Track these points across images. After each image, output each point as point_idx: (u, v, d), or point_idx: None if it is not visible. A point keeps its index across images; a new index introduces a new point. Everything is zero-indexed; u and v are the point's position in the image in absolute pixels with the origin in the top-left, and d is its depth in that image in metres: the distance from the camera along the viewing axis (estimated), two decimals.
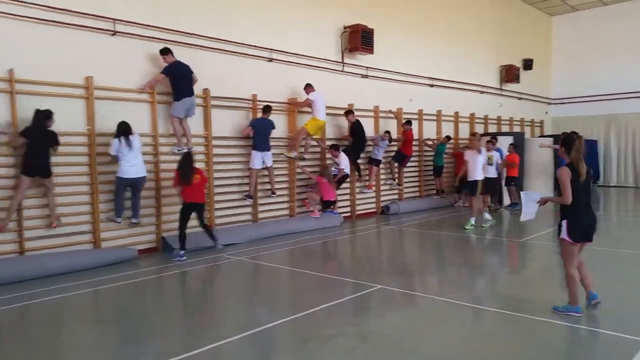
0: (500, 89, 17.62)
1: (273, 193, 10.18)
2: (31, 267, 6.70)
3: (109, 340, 4.77)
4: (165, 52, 8.19)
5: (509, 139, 14.06)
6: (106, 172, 7.85)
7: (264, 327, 4.83)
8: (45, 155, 6.89)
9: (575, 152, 4.90)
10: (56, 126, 7.06)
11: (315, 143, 11.17)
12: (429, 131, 14.36)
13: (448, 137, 14.25)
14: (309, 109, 10.52)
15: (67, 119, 7.37)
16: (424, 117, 14.13)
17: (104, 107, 7.82)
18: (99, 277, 6.86)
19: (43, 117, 6.83)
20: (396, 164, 13.05)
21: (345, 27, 11.71)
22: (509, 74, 17.54)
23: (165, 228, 8.62)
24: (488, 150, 11.19)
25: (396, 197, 13.38)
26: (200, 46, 9.05)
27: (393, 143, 12.76)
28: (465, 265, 7.63)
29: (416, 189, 14.16)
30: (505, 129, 17.49)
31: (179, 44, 8.71)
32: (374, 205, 12.77)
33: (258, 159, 9.63)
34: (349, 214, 11.97)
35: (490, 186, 11.31)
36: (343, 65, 11.81)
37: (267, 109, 9.77)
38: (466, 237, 9.63)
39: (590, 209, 5.05)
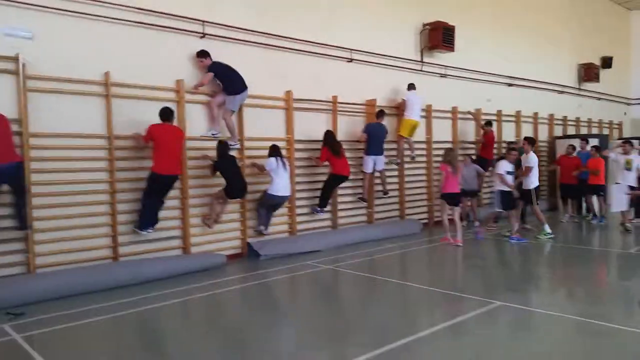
0: (579, 89, 16.67)
1: (385, 193, 10.36)
2: (127, 272, 6.59)
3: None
4: (203, 54, 7.66)
5: (594, 142, 13.23)
6: (198, 177, 7.75)
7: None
8: (241, 179, 7.78)
9: None
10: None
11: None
12: (508, 133, 13.65)
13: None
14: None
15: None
16: (503, 118, 13.46)
17: (193, 111, 7.74)
18: (194, 283, 6.68)
19: (225, 148, 7.61)
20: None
21: (424, 25, 11.26)
22: (588, 73, 16.56)
23: (250, 234, 8.42)
24: (625, 153, 9.98)
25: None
26: (280, 47, 8.81)
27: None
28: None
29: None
30: (583, 130, 16.51)
31: (263, 45, 8.52)
32: None
33: (369, 163, 9.86)
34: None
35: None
36: (422, 65, 11.36)
37: (380, 114, 9.95)
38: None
39: None
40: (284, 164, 8.19)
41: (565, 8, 16.07)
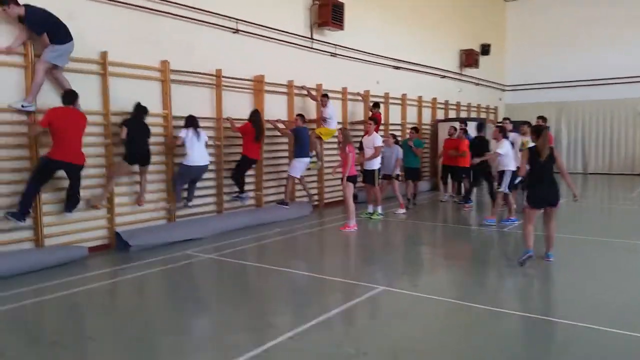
0: (460, 74, 17.27)
1: (310, 199, 10.59)
2: None
3: None
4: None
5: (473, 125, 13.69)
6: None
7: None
8: (145, 145, 7.36)
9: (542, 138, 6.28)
10: None
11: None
12: (395, 115, 13.71)
13: (416, 129, 12.19)
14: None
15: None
16: (390, 100, 13.46)
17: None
18: (44, 282, 5.67)
19: (143, 111, 7.31)
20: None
21: (314, 0, 10.75)
22: (469, 58, 17.20)
23: (118, 222, 7.44)
24: (524, 134, 9.57)
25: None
26: (157, 11, 7.83)
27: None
28: None
29: None
30: (464, 114, 17.18)
31: (135, 7, 7.49)
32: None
33: (302, 167, 9.85)
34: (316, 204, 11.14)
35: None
36: (312, 42, 10.87)
37: (302, 118, 9.86)
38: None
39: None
40: (197, 134, 7.87)
41: None
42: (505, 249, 7.74)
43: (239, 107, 9.23)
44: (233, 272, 6.46)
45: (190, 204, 8.26)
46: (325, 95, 10.50)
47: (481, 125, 11.03)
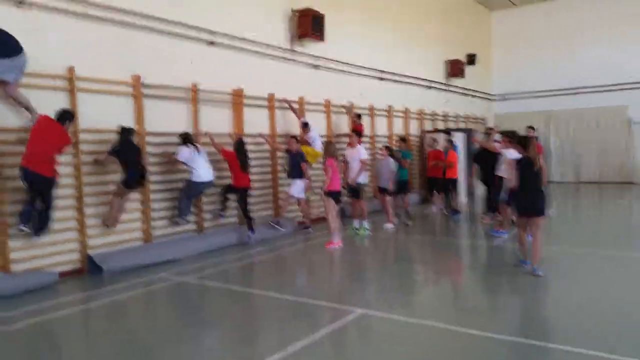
0: (446, 84, 17.12)
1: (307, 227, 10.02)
2: None
3: None
4: None
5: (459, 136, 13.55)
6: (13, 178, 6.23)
7: None
8: (141, 167, 7.21)
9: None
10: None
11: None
12: (381, 127, 13.48)
13: (403, 139, 11.91)
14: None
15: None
16: (375, 112, 13.23)
17: None
18: (7, 311, 5.29)
19: (129, 133, 7.10)
20: None
21: (293, 11, 10.53)
22: (454, 69, 17.06)
23: (91, 244, 7.07)
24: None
25: None
26: (129, 24, 7.57)
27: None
28: None
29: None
30: (451, 125, 16.96)
31: (105, 20, 7.22)
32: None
33: (302, 187, 9.57)
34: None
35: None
36: (292, 53, 10.63)
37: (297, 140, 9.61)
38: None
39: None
40: (197, 150, 7.88)
41: (431, 3, 16.35)
42: (498, 264, 7.43)
43: (217, 121, 8.96)
44: (208, 297, 6.07)
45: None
46: (306, 125, 10.16)
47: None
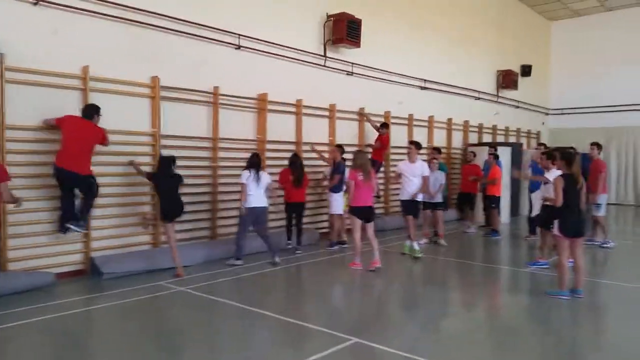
0: (497, 96, 16.24)
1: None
2: None
3: None
4: None
5: (507, 150, 12.73)
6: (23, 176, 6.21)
7: None
8: (177, 200, 6.99)
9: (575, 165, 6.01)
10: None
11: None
12: (420, 139, 12.79)
13: (438, 150, 10.80)
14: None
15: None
16: (414, 122, 12.65)
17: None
18: None
19: (169, 163, 6.92)
20: None
21: (328, 16, 10.18)
22: (507, 80, 16.15)
23: (95, 246, 6.98)
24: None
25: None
26: (150, 25, 7.46)
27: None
28: None
29: None
30: (500, 139, 16.09)
31: (126, 20, 7.14)
32: None
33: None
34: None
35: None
36: (325, 60, 10.27)
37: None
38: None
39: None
40: (258, 178, 7.60)
41: (485, 11, 15.57)
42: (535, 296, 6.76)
43: (240, 126, 8.73)
44: (201, 310, 5.74)
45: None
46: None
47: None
